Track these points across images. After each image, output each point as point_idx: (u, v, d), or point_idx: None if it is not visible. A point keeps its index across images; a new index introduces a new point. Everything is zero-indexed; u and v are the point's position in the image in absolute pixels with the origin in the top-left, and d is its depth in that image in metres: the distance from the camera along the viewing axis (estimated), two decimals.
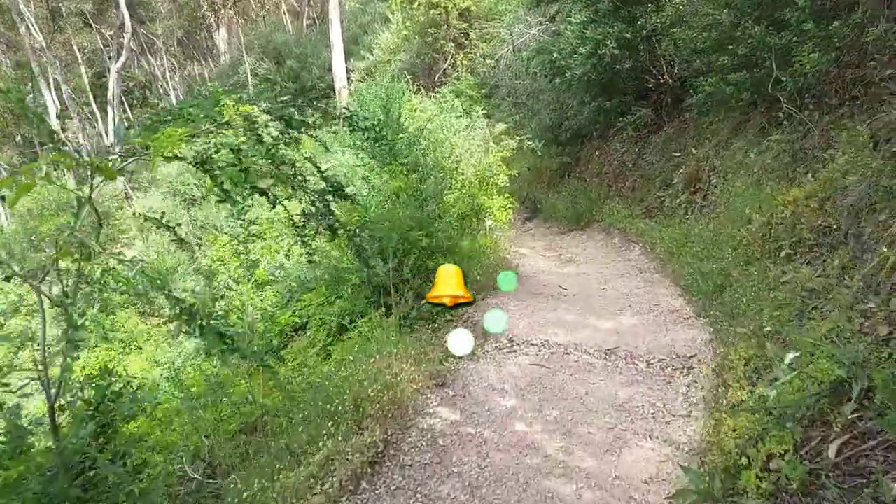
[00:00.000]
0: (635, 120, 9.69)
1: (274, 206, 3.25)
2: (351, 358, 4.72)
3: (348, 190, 4.47)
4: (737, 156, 7.26)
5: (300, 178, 3.30)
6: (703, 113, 8.74)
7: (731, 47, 6.58)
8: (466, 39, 21.83)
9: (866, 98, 5.41)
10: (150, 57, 34.62)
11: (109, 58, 27.03)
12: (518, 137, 14.45)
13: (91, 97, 28.64)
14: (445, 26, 21.96)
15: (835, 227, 4.61)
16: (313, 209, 3.58)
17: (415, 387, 4.35)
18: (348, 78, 28.87)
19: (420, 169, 7.49)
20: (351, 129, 3.77)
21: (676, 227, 7.86)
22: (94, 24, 30.17)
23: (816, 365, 3.01)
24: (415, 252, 5.85)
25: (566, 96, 11.31)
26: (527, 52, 12.53)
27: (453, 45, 22.02)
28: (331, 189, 3.62)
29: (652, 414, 3.83)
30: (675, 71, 9.63)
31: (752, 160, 6.49)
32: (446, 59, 22.47)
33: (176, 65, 36.35)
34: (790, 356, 2.99)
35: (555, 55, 10.33)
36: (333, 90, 26.47)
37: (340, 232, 3.83)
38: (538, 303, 6.00)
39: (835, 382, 2.77)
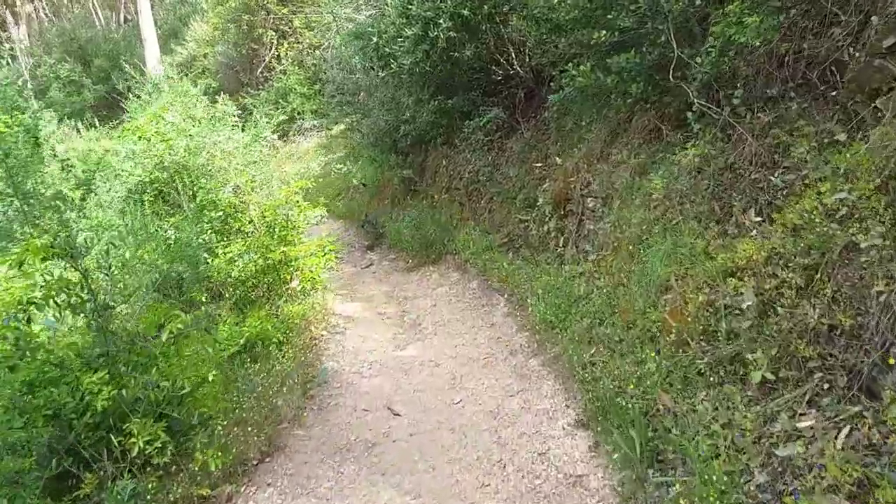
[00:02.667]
0: (484, 123, 7.45)
1: None
2: None
3: None
4: (620, 172, 5.23)
5: None
6: (565, 112, 6.71)
7: (609, 17, 4.45)
8: (290, 27, 18.61)
9: (831, 86, 3.48)
10: None
11: None
12: (352, 145, 11.73)
13: None
14: (263, 12, 18.55)
15: (845, 327, 2.54)
16: None
17: None
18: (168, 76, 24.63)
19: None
20: None
21: (551, 270, 5.71)
22: None
23: None
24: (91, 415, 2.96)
25: (400, 93, 8.81)
26: (340, 35, 9.86)
27: (274, 33, 18.70)
28: None
29: None
30: (528, 59, 7.53)
31: (650, 183, 4.42)
32: (269, 51, 19.04)
33: None
34: None
35: (374, 40, 7.75)
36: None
37: None
38: (337, 474, 3.36)
39: None
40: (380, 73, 8.31)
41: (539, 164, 7.13)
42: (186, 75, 24.67)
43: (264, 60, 19.09)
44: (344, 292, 7.28)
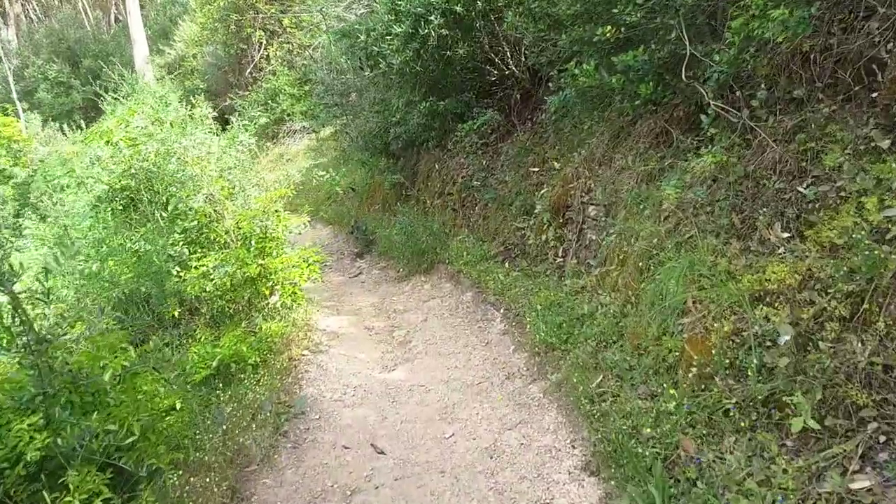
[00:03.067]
0: (479, 126, 7.06)
1: None
2: None
3: None
4: (625, 179, 4.86)
5: None
6: (564, 114, 6.33)
7: (614, 11, 4.06)
8: (279, 27, 18.14)
9: (866, 87, 3.11)
10: None
11: None
12: (342, 148, 11.34)
13: None
14: (252, 11, 18.08)
15: None
16: None
17: None
18: (156, 77, 24.28)
19: None
20: None
21: (550, 284, 5.33)
22: None
23: None
24: None
25: (391, 94, 8.41)
26: (327, 34, 9.47)
27: (263, 33, 18.24)
28: None
29: None
30: (524, 58, 7.15)
31: (659, 191, 4.04)
32: (258, 51, 18.58)
33: None
34: None
35: (362, 38, 7.35)
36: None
37: None
38: None
39: None
40: (367, 74, 7.91)
41: (536, 169, 6.75)
42: (173, 76, 24.31)
43: (253, 61, 18.63)
44: (330, 304, 6.87)
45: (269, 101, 17.52)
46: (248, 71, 18.54)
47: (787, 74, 3.50)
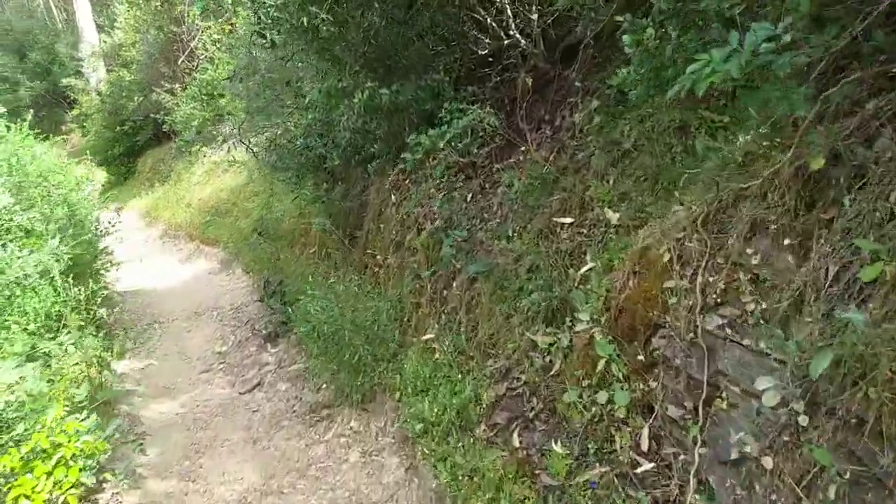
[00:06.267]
0: (456, 136, 3.74)
1: None
2: None
3: None
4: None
5: None
6: (620, 113, 3.17)
7: None
8: (217, 4, 14.60)
9: None
10: None
11: None
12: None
13: None
14: None
15: None
16: None
17: None
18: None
19: None
20: None
21: None
22: None
23: None
24: None
25: (303, 75, 5.12)
26: None
27: (198, 13, 14.78)
28: None
29: None
30: (537, 16, 3.90)
31: None
32: (193, 34, 15.11)
33: None
34: None
35: None
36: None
37: None
38: None
39: None
40: (268, 45, 4.58)
41: (568, 221, 3.50)
42: (111, 68, 20.72)
43: (189, 47, 15.17)
44: (175, 474, 3.58)
45: (205, 97, 14.07)
46: (181, 60, 15.04)
47: None
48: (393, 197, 5.30)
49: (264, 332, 5.65)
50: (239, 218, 9.29)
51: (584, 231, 3.38)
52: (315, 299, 4.30)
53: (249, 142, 9.61)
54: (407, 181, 5.27)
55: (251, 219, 8.81)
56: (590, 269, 3.17)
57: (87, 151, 17.01)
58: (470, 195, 4.41)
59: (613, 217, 3.23)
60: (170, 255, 10.13)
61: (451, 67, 4.49)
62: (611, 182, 3.40)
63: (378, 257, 5.28)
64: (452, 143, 3.82)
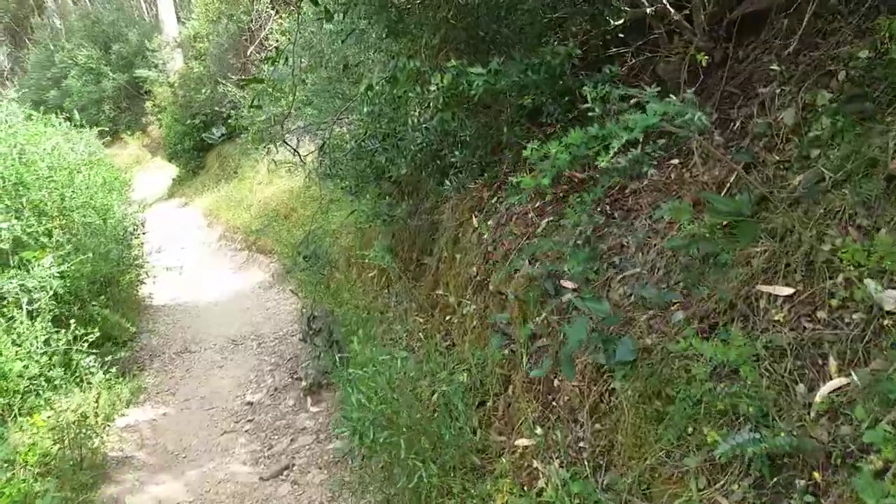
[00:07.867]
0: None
1: None
2: None
3: None
4: None
5: None
6: None
7: None
8: None
9: None
10: None
11: None
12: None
13: None
14: None
15: None
16: None
17: None
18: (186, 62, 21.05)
19: None
20: None
21: None
22: None
23: None
24: None
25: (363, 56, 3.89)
26: None
27: (269, 2, 14.08)
28: None
29: None
30: None
31: None
32: (261, 25, 14.42)
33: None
34: None
35: None
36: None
37: None
38: None
39: None
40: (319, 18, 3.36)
41: (786, 293, 2.03)
42: (186, 60, 20.54)
43: (258, 38, 14.53)
44: None
45: (273, 90, 13.32)
46: (250, 51, 14.38)
47: None
48: (474, 219, 3.97)
49: (305, 382, 4.47)
50: (296, 225, 8.28)
51: (822, 315, 1.92)
52: (361, 381, 3.03)
53: (297, 142, 8.52)
54: (495, 198, 3.94)
55: (305, 229, 7.75)
56: (837, 391, 1.72)
57: (162, 145, 16.72)
58: (591, 227, 3.02)
59: (883, 296, 1.77)
60: (223, 261, 9.29)
61: (567, 38, 3.10)
62: (866, 229, 1.93)
63: (451, 299, 3.96)
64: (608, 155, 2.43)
